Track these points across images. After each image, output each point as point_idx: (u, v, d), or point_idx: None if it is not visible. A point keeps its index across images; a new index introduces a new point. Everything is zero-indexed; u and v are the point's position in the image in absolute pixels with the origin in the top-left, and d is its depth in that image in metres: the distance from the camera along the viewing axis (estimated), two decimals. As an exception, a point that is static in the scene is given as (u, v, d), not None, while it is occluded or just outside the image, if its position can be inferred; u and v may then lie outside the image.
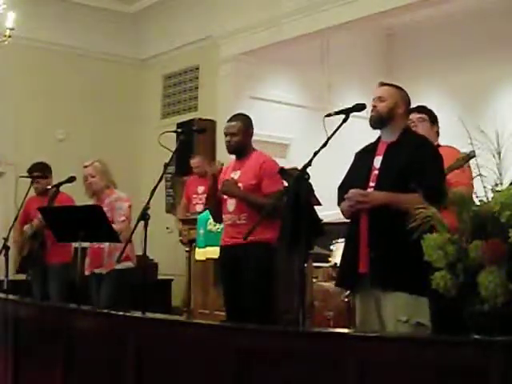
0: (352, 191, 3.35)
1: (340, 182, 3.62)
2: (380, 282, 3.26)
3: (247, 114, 4.74)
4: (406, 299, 3.18)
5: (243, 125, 4.49)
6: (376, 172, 3.41)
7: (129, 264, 5.21)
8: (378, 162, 3.44)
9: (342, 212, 3.54)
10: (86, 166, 5.40)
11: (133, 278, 5.25)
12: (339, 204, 3.54)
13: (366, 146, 3.63)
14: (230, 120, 4.54)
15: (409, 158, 3.33)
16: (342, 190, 3.52)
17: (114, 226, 4.91)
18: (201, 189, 7.15)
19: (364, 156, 3.58)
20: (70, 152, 8.93)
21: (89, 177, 5.37)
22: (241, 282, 4.30)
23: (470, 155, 3.44)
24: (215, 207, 4.55)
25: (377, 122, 3.49)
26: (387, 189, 3.30)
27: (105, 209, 4.94)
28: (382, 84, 3.58)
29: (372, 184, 3.38)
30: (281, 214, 3.68)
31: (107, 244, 5.11)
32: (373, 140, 3.61)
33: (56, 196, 5.84)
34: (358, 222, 3.37)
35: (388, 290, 3.24)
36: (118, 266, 5.06)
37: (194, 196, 7.21)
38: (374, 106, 3.48)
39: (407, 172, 3.25)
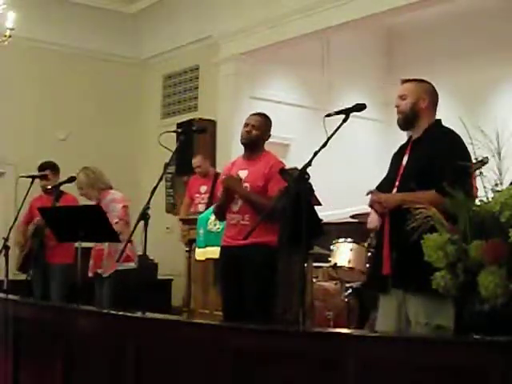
0: (370, 197, 3.31)
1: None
2: (401, 283, 3.23)
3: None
4: (426, 301, 3.10)
5: (267, 123, 4.48)
6: (402, 171, 3.36)
7: (130, 265, 5.22)
8: (405, 160, 3.39)
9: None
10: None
11: (134, 279, 5.23)
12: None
13: (401, 146, 3.55)
14: (257, 113, 4.52)
15: (429, 153, 3.24)
16: (378, 189, 3.50)
17: None
18: (203, 188, 7.15)
19: (397, 156, 3.51)
20: (71, 152, 8.92)
21: (78, 189, 5.47)
22: (240, 283, 4.29)
23: (484, 161, 3.31)
24: (223, 207, 4.49)
25: (404, 122, 3.40)
26: (409, 187, 3.19)
27: None
28: (403, 81, 3.47)
29: (397, 183, 3.34)
30: (279, 217, 3.67)
31: (106, 245, 5.13)
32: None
33: (60, 196, 5.85)
34: (383, 223, 3.35)
35: (409, 291, 3.20)
36: (120, 267, 5.07)
37: (197, 195, 7.21)
38: (397, 106, 3.40)
39: (427, 168, 3.18)
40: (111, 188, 5.46)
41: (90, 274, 5.34)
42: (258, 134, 4.41)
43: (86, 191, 5.42)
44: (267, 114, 4.61)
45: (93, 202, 5.42)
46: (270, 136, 4.51)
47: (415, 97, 3.38)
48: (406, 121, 3.39)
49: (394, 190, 3.34)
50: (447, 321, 3.07)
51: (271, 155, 4.48)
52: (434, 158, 3.19)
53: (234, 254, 4.32)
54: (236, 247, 4.28)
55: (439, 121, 3.45)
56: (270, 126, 4.52)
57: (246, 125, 4.45)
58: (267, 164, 4.36)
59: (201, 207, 6.96)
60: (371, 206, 3.36)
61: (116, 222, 5.11)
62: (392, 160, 3.56)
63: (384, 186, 3.44)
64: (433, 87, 3.45)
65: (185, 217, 7.03)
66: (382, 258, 3.31)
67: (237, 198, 4.36)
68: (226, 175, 4.41)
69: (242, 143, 4.48)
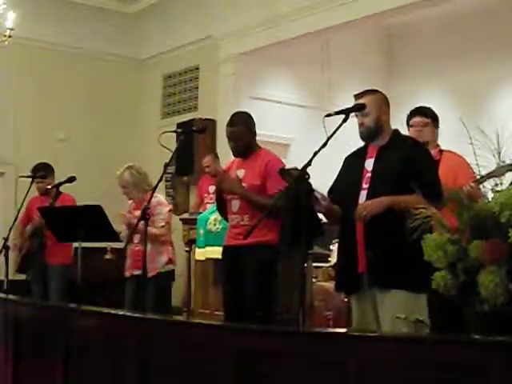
0: (357, 211, 3.30)
1: (330, 186, 3.63)
2: (378, 281, 3.27)
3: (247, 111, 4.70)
4: (404, 297, 3.21)
5: (246, 127, 4.43)
6: (369, 174, 3.42)
7: (171, 267, 5.24)
8: (369, 164, 3.45)
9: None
10: (118, 176, 5.36)
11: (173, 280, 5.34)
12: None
13: (355, 151, 3.64)
14: (232, 123, 4.45)
15: (403, 159, 3.35)
16: (332, 194, 3.55)
17: (154, 230, 4.95)
18: (213, 188, 7.14)
19: (354, 160, 3.59)
20: (70, 152, 8.93)
21: (120, 187, 5.35)
22: (241, 283, 4.29)
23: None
24: (220, 205, 4.53)
25: (368, 136, 3.50)
26: (382, 190, 3.31)
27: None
28: (358, 97, 3.52)
29: (365, 186, 3.40)
30: (281, 214, 3.67)
31: (149, 247, 5.05)
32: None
33: (58, 196, 5.85)
34: (353, 224, 3.36)
35: (386, 288, 3.26)
36: (163, 270, 5.08)
37: (206, 195, 7.26)
38: (361, 123, 3.47)
39: (402, 173, 3.27)
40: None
41: (127, 275, 5.28)
42: (242, 143, 4.40)
43: (130, 191, 5.30)
44: (249, 110, 4.65)
45: (133, 203, 5.36)
46: (255, 133, 4.49)
47: (377, 111, 3.46)
48: (372, 135, 3.49)
49: (363, 192, 3.38)
50: (423, 315, 3.19)
51: (266, 151, 4.48)
52: (408, 164, 3.32)
53: (235, 254, 4.34)
54: (237, 247, 4.29)
55: (398, 130, 3.61)
56: (252, 124, 4.48)
57: (229, 139, 4.43)
58: (263, 161, 4.36)
59: (210, 207, 6.98)
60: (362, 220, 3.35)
61: (162, 226, 5.12)
62: (347, 164, 3.64)
63: (343, 190, 3.48)
64: (385, 96, 3.56)
65: (184, 217, 7.03)
66: (356, 257, 3.33)
67: (233, 198, 4.36)
68: (223, 177, 4.40)
69: (235, 156, 4.48)
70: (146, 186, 5.27)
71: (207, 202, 7.19)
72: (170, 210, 5.29)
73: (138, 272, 5.12)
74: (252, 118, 4.51)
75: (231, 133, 4.42)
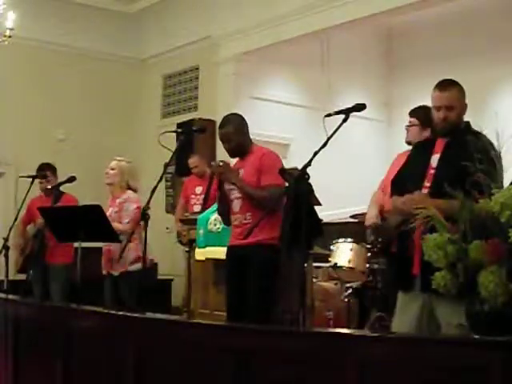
0: (405, 198, 3.20)
1: (395, 174, 3.49)
2: (431, 286, 3.20)
3: (238, 112, 4.70)
4: (457, 303, 3.08)
5: (235, 128, 4.41)
6: (432, 171, 3.28)
7: (139, 266, 5.18)
8: (435, 160, 3.30)
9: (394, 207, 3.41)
10: (116, 161, 5.45)
11: (151, 279, 5.32)
12: (391, 197, 3.42)
13: (425, 141, 3.50)
14: (221, 125, 4.46)
15: (463, 158, 3.05)
16: (396, 184, 3.43)
17: (118, 225, 4.98)
18: (199, 189, 7.13)
19: (421, 152, 3.44)
20: (70, 152, 8.94)
21: (109, 168, 5.42)
22: (245, 283, 4.29)
23: None
24: (224, 209, 4.50)
25: (448, 131, 3.32)
26: (443, 191, 3.16)
27: (116, 209, 4.99)
28: (443, 87, 3.36)
29: (427, 184, 3.26)
30: (279, 207, 3.66)
31: (113, 245, 5.11)
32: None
33: (60, 197, 5.85)
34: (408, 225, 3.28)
35: (439, 295, 3.18)
36: (131, 268, 5.09)
37: (192, 196, 7.20)
38: (445, 117, 3.30)
39: (461, 174, 3.12)
40: (131, 190, 5.46)
41: (104, 272, 5.33)
42: (234, 144, 4.40)
43: (114, 174, 5.36)
44: (241, 112, 4.63)
45: (110, 201, 5.40)
46: (248, 132, 4.48)
47: (461, 106, 3.35)
48: (451, 129, 3.31)
49: (424, 191, 3.25)
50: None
51: (260, 147, 4.50)
52: (466, 164, 3.07)
53: (238, 254, 4.34)
54: (240, 247, 4.29)
55: (469, 123, 3.42)
56: (242, 124, 4.47)
57: (221, 141, 4.45)
58: (257, 156, 4.38)
59: (196, 208, 6.95)
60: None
61: (127, 222, 5.15)
62: (414, 155, 3.50)
63: (406, 182, 3.33)
64: (463, 88, 3.41)
65: (184, 217, 7.02)
66: (412, 260, 3.20)
67: (235, 198, 4.36)
68: (224, 165, 4.37)
69: (230, 157, 4.51)
70: (127, 184, 5.37)
71: (194, 204, 7.15)
72: (138, 207, 5.22)
73: (110, 270, 5.24)
74: (243, 119, 4.50)
75: (221, 135, 4.46)
